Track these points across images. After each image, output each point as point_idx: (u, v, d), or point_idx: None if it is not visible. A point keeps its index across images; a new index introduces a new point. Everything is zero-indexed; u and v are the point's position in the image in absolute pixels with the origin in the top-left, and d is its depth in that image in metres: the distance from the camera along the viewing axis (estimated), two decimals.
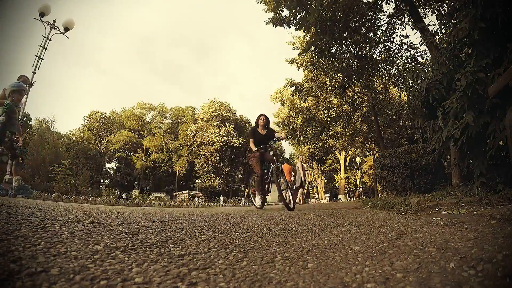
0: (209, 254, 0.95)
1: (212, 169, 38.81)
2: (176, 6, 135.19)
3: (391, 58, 11.29)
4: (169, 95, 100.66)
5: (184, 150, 41.50)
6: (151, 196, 17.81)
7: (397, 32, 10.44)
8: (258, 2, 10.07)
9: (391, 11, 9.75)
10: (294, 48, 14.45)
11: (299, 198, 9.52)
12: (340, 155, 33.08)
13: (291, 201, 4.57)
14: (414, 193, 6.33)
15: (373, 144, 20.40)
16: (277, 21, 9.14)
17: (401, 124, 17.37)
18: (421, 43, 8.09)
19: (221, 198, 27.63)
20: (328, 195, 35.40)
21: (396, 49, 10.96)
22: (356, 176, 36.24)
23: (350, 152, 30.66)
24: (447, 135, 3.20)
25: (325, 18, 8.02)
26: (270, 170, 4.62)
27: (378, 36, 10.13)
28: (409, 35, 12.89)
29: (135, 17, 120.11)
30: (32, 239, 0.93)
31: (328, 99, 17.42)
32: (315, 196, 26.74)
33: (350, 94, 15.52)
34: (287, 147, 51.07)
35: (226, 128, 39.26)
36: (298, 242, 1.22)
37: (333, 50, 9.90)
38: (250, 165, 5.08)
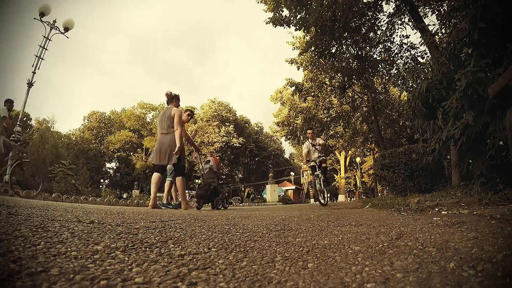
0: (209, 254, 0.95)
1: None
2: (175, 7, 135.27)
3: (391, 58, 11.30)
4: None
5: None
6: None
7: (397, 32, 10.46)
8: (258, 2, 10.09)
9: (391, 11, 9.75)
10: (294, 48, 14.46)
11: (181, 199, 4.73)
12: (340, 155, 33.07)
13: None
14: (414, 193, 6.33)
15: (373, 144, 20.41)
16: (277, 21, 9.14)
17: (401, 124, 17.39)
18: (421, 43, 8.10)
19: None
20: (328, 195, 35.36)
21: (396, 49, 10.97)
22: (356, 176, 36.25)
23: (350, 152, 30.66)
24: (447, 135, 3.20)
25: (325, 18, 8.02)
26: None
27: (378, 36, 10.14)
28: (409, 35, 12.93)
29: (134, 17, 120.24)
30: (32, 239, 0.93)
31: (328, 99, 17.43)
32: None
33: (350, 94, 15.53)
34: (287, 147, 51.10)
35: (226, 128, 39.25)
36: (298, 242, 1.22)
37: (333, 50, 9.90)
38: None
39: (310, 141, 6.70)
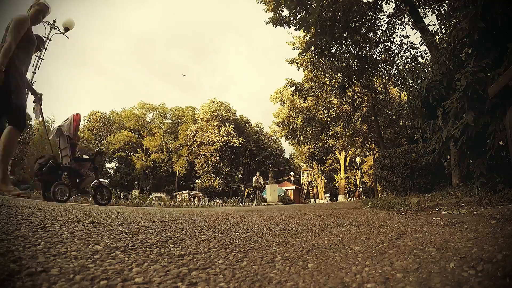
0: (209, 254, 0.95)
1: (212, 169, 38.78)
2: (174, 7, 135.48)
3: (391, 58, 11.29)
4: (169, 95, 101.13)
5: (184, 150, 41.49)
6: (151, 196, 17.80)
7: (397, 32, 10.46)
8: (258, 2, 10.11)
9: (391, 11, 9.75)
10: (294, 48, 14.47)
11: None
12: (340, 155, 33.07)
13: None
14: (414, 193, 6.33)
15: (373, 144, 20.40)
16: (277, 21, 9.15)
17: (401, 124, 17.38)
18: (421, 43, 8.10)
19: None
20: (328, 195, 35.41)
21: (396, 49, 10.98)
22: (356, 176, 36.23)
23: (350, 152, 30.66)
24: (447, 135, 3.20)
25: (325, 18, 8.02)
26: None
27: (378, 36, 10.13)
28: (409, 35, 12.91)
29: (134, 18, 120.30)
30: (32, 239, 0.93)
31: (328, 99, 17.42)
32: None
33: (350, 94, 15.52)
34: (287, 147, 51.08)
35: (226, 128, 39.23)
36: (298, 242, 1.22)
37: (333, 50, 9.90)
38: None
39: (257, 177, 15.70)
